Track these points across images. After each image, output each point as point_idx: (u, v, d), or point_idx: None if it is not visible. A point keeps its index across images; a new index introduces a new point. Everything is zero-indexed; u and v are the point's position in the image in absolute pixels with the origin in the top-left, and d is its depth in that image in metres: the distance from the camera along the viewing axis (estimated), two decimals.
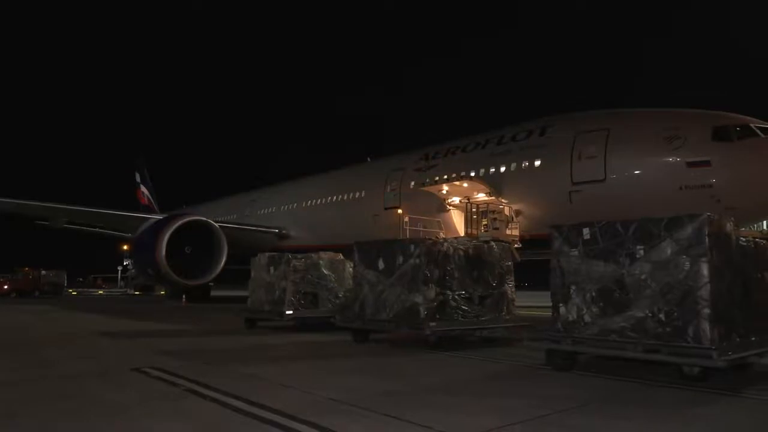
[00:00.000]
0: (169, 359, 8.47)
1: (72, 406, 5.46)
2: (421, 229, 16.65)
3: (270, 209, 28.85)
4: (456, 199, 17.43)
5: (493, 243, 10.07)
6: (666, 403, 5.71)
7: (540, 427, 4.66)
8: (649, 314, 6.57)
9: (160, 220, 23.55)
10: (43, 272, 41.54)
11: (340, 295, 12.94)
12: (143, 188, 49.56)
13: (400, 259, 9.82)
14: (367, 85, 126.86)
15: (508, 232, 15.46)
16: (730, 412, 5.40)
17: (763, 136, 12.88)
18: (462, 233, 16.15)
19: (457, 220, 17.30)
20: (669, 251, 6.57)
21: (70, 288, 49.17)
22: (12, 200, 26.94)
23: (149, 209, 45.37)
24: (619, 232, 7.11)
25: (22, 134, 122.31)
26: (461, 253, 9.79)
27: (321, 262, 13.14)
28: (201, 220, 22.62)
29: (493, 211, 16.21)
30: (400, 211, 18.06)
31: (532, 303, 18.09)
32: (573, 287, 7.32)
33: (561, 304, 7.43)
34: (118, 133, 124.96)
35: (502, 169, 16.88)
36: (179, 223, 21.56)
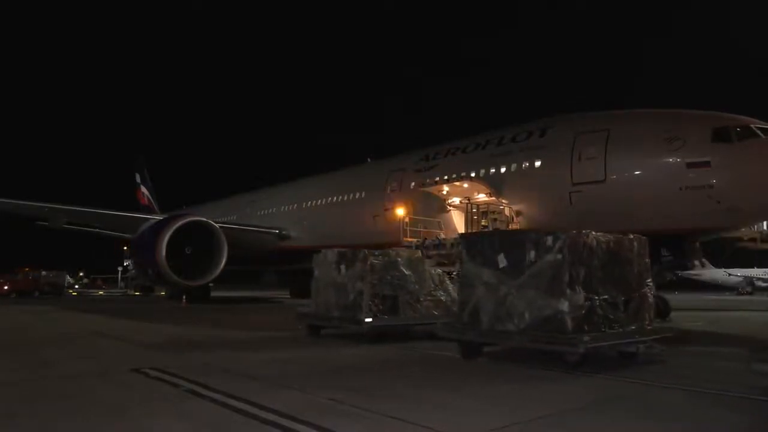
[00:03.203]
0: (170, 360, 8.47)
1: (72, 406, 5.46)
2: (421, 229, 16.65)
3: (270, 210, 28.85)
4: (456, 200, 17.44)
5: (632, 236, 8.70)
6: None
7: None
8: None
9: (160, 220, 23.54)
10: (43, 273, 41.55)
11: (421, 299, 11.35)
12: (143, 189, 49.55)
13: (532, 254, 7.96)
14: (367, 86, 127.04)
15: None
16: None
17: (763, 136, 12.86)
18: None
19: (458, 221, 17.30)
20: None
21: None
22: (11, 200, 26.96)
23: (149, 210, 45.36)
24: None
25: (21, 134, 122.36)
26: (603, 247, 8.14)
27: (400, 260, 11.36)
28: (201, 220, 22.61)
29: (494, 212, 16.23)
30: (400, 211, 18.05)
31: None
32: None
33: None
34: (118, 133, 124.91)
35: (503, 169, 16.89)
36: (179, 223, 21.55)
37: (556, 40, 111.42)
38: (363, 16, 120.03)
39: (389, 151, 25.14)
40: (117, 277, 55.65)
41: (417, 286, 11.33)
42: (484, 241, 8.95)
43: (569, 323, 7.40)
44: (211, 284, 25.21)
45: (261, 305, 26.30)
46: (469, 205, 16.70)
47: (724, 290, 45.09)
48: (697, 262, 19.43)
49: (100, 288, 57.27)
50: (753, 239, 14.75)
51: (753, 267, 43.31)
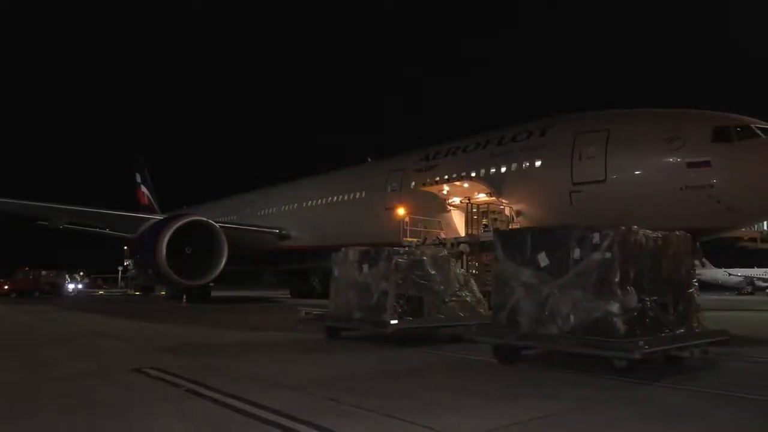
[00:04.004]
0: (170, 360, 8.47)
1: (72, 406, 5.45)
2: (421, 229, 16.65)
3: (270, 210, 28.86)
4: (456, 200, 17.44)
5: (678, 233, 8.29)
6: None
7: None
8: None
9: (160, 220, 23.55)
10: (43, 272, 41.57)
11: (447, 300, 10.83)
12: (143, 188, 49.59)
13: (577, 252, 7.36)
14: (367, 86, 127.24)
15: None
16: None
17: (763, 136, 12.88)
18: (462, 233, 16.16)
19: (458, 221, 17.30)
20: None
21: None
22: (12, 200, 26.97)
23: (149, 209, 45.38)
24: None
25: (22, 134, 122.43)
26: (651, 244, 7.64)
27: (425, 259, 10.82)
28: (202, 220, 22.61)
29: (494, 212, 16.22)
30: (400, 211, 18.05)
31: None
32: None
33: None
34: (118, 133, 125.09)
35: (503, 169, 16.90)
36: (180, 223, 21.55)
37: (556, 40, 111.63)
38: (363, 16, 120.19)
39: (389, 151, 25.20)
40: (117, 277, 55.66)
41: (442, 287, 10.80)
42: (522, 238, 8.20)
43: (621, 326, 6.86)
44: (211, 284, 25.22)
45: (261, 305, 26.29)
46: (469, 204, 16.69)
47: (724, 290, 45.11)
48: (697, 262, 19.42)
49: (100, 288, 57.27)
50: (753, 239, 14.76)
51: (753, 267, 43.36)
